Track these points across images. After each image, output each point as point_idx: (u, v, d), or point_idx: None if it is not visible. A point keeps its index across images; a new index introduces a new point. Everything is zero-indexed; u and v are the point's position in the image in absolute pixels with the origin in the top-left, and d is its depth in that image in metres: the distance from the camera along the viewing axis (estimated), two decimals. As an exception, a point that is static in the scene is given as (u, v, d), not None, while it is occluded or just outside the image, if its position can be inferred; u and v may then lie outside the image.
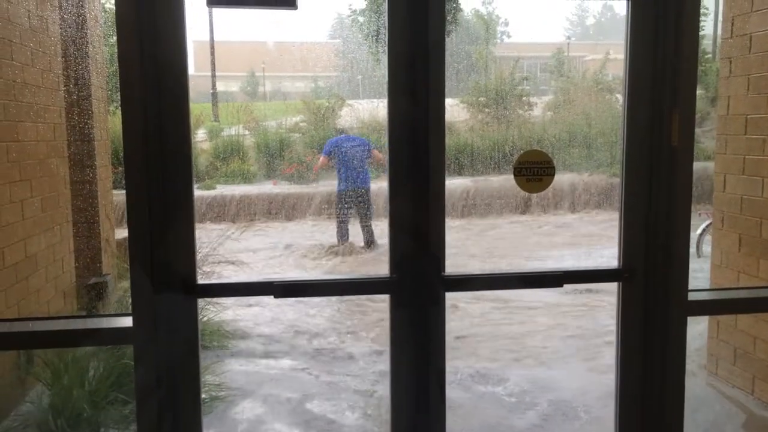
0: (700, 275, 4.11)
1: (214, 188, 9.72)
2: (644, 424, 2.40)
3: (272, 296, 2.22)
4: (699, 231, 6.54)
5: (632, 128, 2.36)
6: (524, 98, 12.08)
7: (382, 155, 7.96)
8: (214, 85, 13.12)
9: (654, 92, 2.33)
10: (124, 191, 2.06)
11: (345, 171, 7.66)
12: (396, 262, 2.27)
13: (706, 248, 5.06)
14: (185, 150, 2.12)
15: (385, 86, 2.21)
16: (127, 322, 2.09)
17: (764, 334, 3.23)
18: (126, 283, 4.60)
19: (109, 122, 4.86)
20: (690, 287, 2.35)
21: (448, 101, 2.27)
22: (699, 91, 2.46)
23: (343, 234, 7.88)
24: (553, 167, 2.36)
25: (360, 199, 7.62)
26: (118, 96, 2.09)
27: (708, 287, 3.54)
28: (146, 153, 2.06)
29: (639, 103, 2.34)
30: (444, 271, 2.28)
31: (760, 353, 3.27)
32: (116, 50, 2.04)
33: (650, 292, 2.38)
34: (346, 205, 7.71)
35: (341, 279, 2.56)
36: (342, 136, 7.99)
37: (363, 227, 7.79)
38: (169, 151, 2.09)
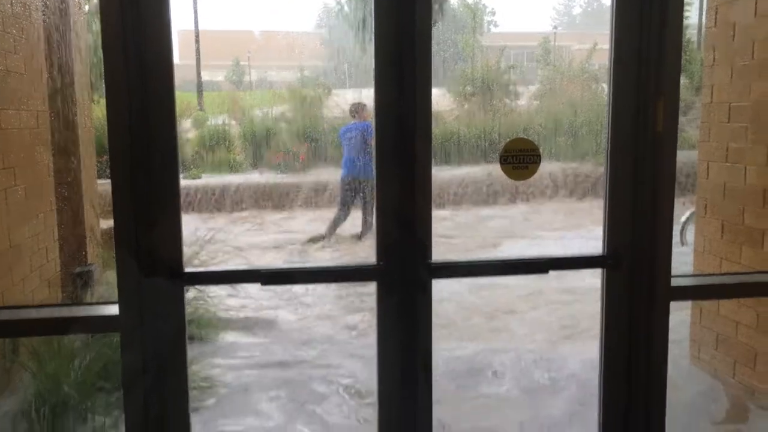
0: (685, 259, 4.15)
1: (199, 178, 9.68)
2: (628, 408, 2.44)
3: (259, 283, 2.22)
4: (683, 219, 6.60)
5: (617, 116, 2.38)
6: (511, 87, 12.10)
7: None
8: (199, 75, 13.04)
9: (639, 80, 2.35)
10: (108, 181, 2.05)
11: (347, 158, 7.69)
12: (383, 249, 2.28)
13: (691, 237, 5.11)
14: (171, 137, 2.11)
15: (372, 75, 2.22)
16: (114, 310, 2.09)
17: (746, 320, 3.28)
18: (112, 274, 4.58)
19: (93, 110, 4.82)
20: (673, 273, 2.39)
21: (435, 91, 2.28)
22: (683, 80, 2.49)
23: (336, 223, 7.82)
24: (539, 155, 2.38)
25: (361, 188, 7.59)
26: (101, 84, 2.07)
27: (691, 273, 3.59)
28: (131, 141, 2.05)
29: (624, 92, 2.36)
30: (431, 259, 2.29)
31: (742, 338, 3.32)
32: (100, 38, 2.03)
33: (634, 278, 2.40)
34: (348, 192, 7.71)
35: (328, 267, 2.57)
36: (351, 123, 7.86)
37: (363, 218, 7.76)
38: (154, 139, 2.08)
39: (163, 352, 2.17)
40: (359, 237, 7.69)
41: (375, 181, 2.28)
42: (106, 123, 2.03)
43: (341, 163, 7.86)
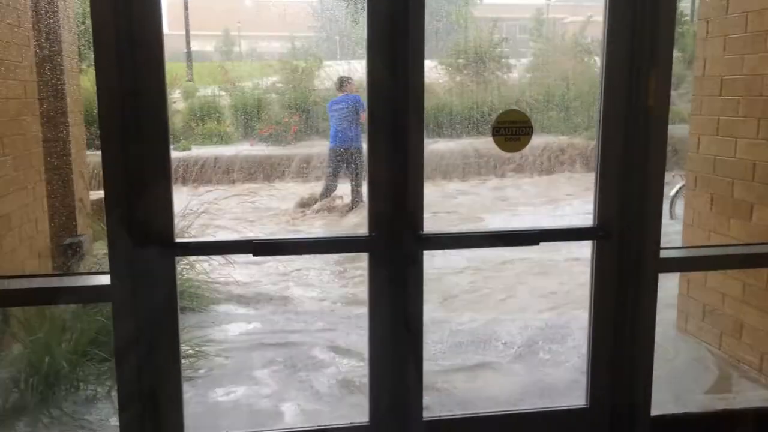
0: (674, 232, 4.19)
1: (189, 149, 9.60)
2: (616, 375, 2.48)
3: (251, 254, 2.22)
4: (672, 193, 6.64)
5: (609, 89, 2.38)
6: (503, 60, 12.02)
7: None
8: (188, 45, 12.86)
9: (632, 53, 2.35)
10: (97, 152, 2.03)
11: (335, 129, 7.71)
12: (375, 221, 2.29)
13: (680, 211, 5.13)
14: (161, 107, 2.10)
15: (363, 47, 2.20)
16: (105, 280, 2.10)
17: (733, 291, 3.32)
18: (101, 246, 4.57)
19: (81, 80, 4.76)
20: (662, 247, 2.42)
21: (427, 62, 2.27)
22: (675, 54, 2.48)
23: (325, 192, 7.87)
24: (531, 127, 2.38)
25: (350, 158, 7.62)
26: (89, 53, 2.05)
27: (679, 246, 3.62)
28: (122, 110, 2.04)
29: (616, 64, 2.36)
30: (422, 230, 2.31)
31: (729, 309, 3.36)
32: (88, 6, 2.00)
33: (624, 250, 2.43)
34: (334, 163, 7.74)
35: (320, 237, 2.58)
36: (340, 96, 7.84)
37: (352, 187, 7.80)
38: (144, 108, 2.07)
39: (155, 322, 2.18)
40: (353, 205, 7.74)
41: (367, 154, 2.28)
42: (96, 93, 2.01)
43: (329, 135, 7.90)
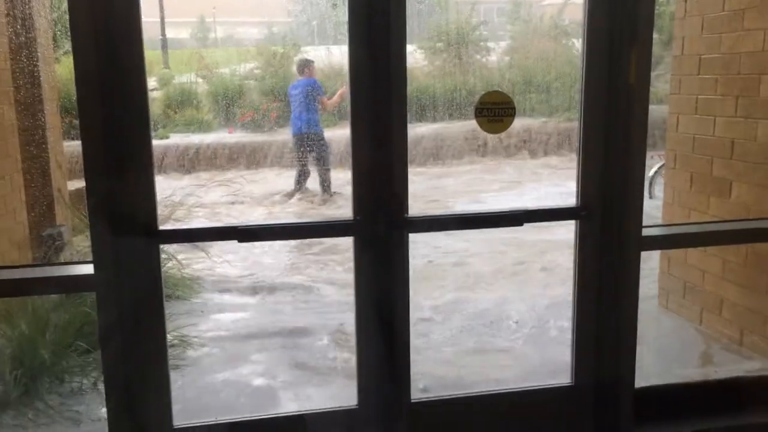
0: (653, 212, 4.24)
1: (167, 138, 9.49)
2: (600, 352, 2.51)
3: (236, 240, 2.21)
4: (651, 173, 6.70)
5: (591, 69, 2.39)
6: (482, 44, 12.01)
7: (333, 101, 7.84)
8: (163, 32, 12.68)
9: (612, 31, 2.36)
10: (73, 141, 2.01)
11: (293, 115, 7.60)
12: (359, 204, 2.29)
13: (659, 191, 5.18)
14: (141, 93, 2.07)
15: (341, 33, 2.19)
16: (88, 269, 2.07)
17: (713, 269, 3.37)
18: (80, 238, 4.52)
19: (56, 68, 4.68)
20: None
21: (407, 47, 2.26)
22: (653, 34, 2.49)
23: (299, 179, 7.78)
24: (514, 108, 2.38)
25: (313, 143, 7.52)
26: (64, 41, 2.01)
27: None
28: (102, 97, 2.01)
29: (598, 43, 2.37)
30: (407, 213, 2.31)
31: (708, 286, 3.42)
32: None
33: (606, 228, 2.45)
34: (300, 149, 7.65)
35: (305, 222, 2.58)
36: (298, 80, 7.69)
37: (318, 172, 7.72)
38: (124, 94, 2.04)
39: (140, 311, 2.16)
40: (322, 190, 7.67)
41: (350, 137, 2.27)
42: (74, 81, 1.98)
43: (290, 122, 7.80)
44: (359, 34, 2.19)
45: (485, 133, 2.43)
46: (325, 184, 7.69)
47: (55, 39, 4.46)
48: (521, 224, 2.48)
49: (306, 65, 7.68)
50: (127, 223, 2.09)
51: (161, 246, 2.23)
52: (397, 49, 2.21)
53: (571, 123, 10.10)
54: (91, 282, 2.08)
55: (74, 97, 2.01)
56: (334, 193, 7.65)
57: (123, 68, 2.03)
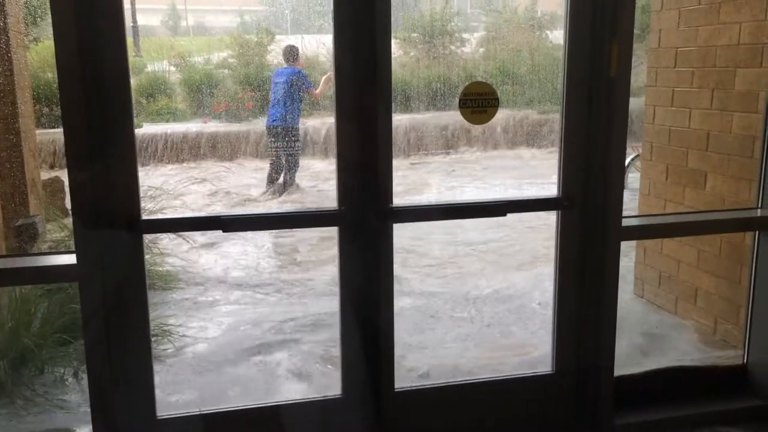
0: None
1: (140, 127, 9.35)
2: (580, 340, 2.55)
3: (221, 230, 2.20)
4: (625, 164, 6.78)
5: (572, 61, 2.42)
6: (456, 35, 12.03)
7: (321, 90, 7.57)
8: (134, 18, 12.48)
9: (594, 24, 2.38)
10: (47, 130, 1.97)
11: (272, 104, 7.20)
12: (344, 195, 2.29)
13: (632, 183, 5.25)
14: (123, 81, 2.04)
15: (315, 22, 2.18)
16: (71, 259, 2.05)
17: (687, 258, 3.44)
18: (53, 228, 4.45)
19: (28, 55, 4.58)
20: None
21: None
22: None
23: (271, 176, 7.41)
24: (497, 98, 2.40)
25: (290, 136, 7.17)
26: (34, 28, 1.97)
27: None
28: (83, 88, 1.97)
29: (579, 36, 2.39)
30: (392, 203, 2.31)
31: (683, 276, 3.48)
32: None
33: (587, 219, 2.49)
34: (275, 142, 7.24)
35: (290, 212, 2.56)
36: (282, 68, 7.30)
37: (286, 167, 7.34)
38: (106, 81, 2.01)
39: (123, 301, 2.14)
40: (283, 186, 7.33)
41: (335, 127, 2.27)
42: (46, 68, 1.94)
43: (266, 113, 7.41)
44: (344, 24, 2.18)
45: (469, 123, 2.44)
46: (290, 182, 7.36)
47: (26, 26, 4.36)
48: (504, 215, 2.50)
49: (292, 52, 7.33)
50: (110, 213, 2.07)
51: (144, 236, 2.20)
52: (381, 39, 2.21)
53: (545, 115, 10.20)
54: (73, 272, 2.05)
55: (44, 85, 1.97)
56: (298, 186, 7.41)
57: (105, 57, 2.00)
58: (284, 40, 10.33)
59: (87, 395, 2.16)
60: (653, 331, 3.46)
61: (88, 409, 2.15)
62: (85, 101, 1.98)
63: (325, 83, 7.39)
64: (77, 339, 3.04)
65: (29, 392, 2.85)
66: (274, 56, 10.18)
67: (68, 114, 1.97)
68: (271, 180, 7.43)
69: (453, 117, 9.51)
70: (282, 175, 7.45)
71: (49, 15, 1.88)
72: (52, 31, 1.89)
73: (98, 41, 1.98)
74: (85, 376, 2.92)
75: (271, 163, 7.51)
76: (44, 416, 2.76)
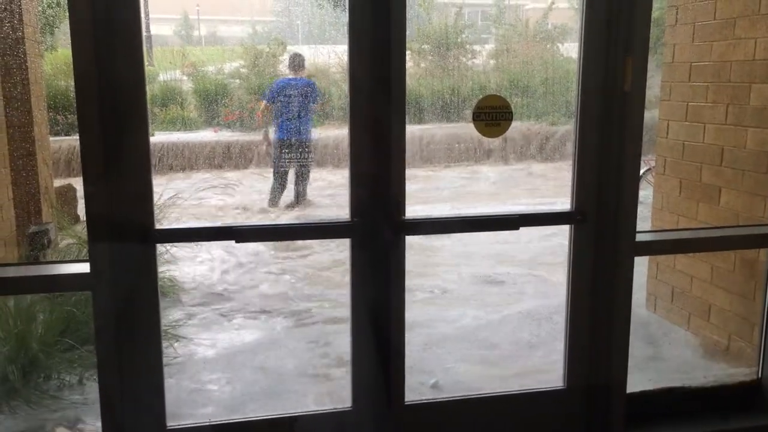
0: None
1: (152, 135, 9.39)
2: (593, 356, 2.53)
3: (233, 241, 2.20)
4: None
5: (587, 75, 2.41)
6: (467, 47, 12.05)
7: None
8: (147, 28, 12.58)
9: (609, 39, 2.38)
10: (60, 138, 1.98)
11: (284, 118, 6.88)
12: (356, 206, 2.29)
13: (646, 198, 5.23)
14: (140, 92, 2.06)
15: (327, 33, 2.18)
16: (84, 268, 2.05)
17: (701, 274, 3.41)
18: (66, 235, 4.46)
19: (43, 64, 4.61)
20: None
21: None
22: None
23: (274, 194, 7.06)
24: (511, 112, 2.39)
25: (302, 150, 6.89)
26: (49, 37, 1.99)
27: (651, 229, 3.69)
28: (100, 95, 1.98)
29: (594, 50, 2.39)
30: (404, 215, 2.31)
31: (696, 291, 3.46)
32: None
33: (601, 234, 2.47)
34: (284, 157, 6.93)
35: (302, 224, 2.56)
36: (286, 78, 7.01)
37: (296, 182, 7.05)
38: (122, 91, 2.02)
39: (135, 310, 2.14)
40: (296, 201, 7.04)
41: (348, 139, 2.27)
42: (73, 78, 1.94)
43: (275, 124, 7.01)
44: (359, 35, 2.19)
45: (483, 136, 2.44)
46: (300, 196, 7.06)
47: (42, 35, 4.40)
48: (517, 228, 2.50)
49: (299, 62, 7.00)
50: (124, 222, 2.07)
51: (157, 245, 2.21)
52: (396, 50, 2.22)
53: (554, 127, 10.19)
54: (87, 281, 2.05)
55: (57, 93, 1.98)
56: (308, 201, 7.14)
57: (122, 67, 2.01)
58: (298, 51, 10.37)
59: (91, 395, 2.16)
60: (664, 345, 3.44)
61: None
62: (101, 110, 1.99)
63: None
64: (79, 344, 3.06)
65: (39, 396, 2.86)
66: (285, 66, 10.21)
67: (84, 123, 1.98)
68: (275, 200, 7.11)
69: (464, 128, 9.52)
70: (284, 193, 7.17)
71: (63, 23, 1.90)
72: (65, 39, 1.90)
73: (115, 51, 1.99)
74: (88, 382, 2.94)
75: (275, 179, 7.21)
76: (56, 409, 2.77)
